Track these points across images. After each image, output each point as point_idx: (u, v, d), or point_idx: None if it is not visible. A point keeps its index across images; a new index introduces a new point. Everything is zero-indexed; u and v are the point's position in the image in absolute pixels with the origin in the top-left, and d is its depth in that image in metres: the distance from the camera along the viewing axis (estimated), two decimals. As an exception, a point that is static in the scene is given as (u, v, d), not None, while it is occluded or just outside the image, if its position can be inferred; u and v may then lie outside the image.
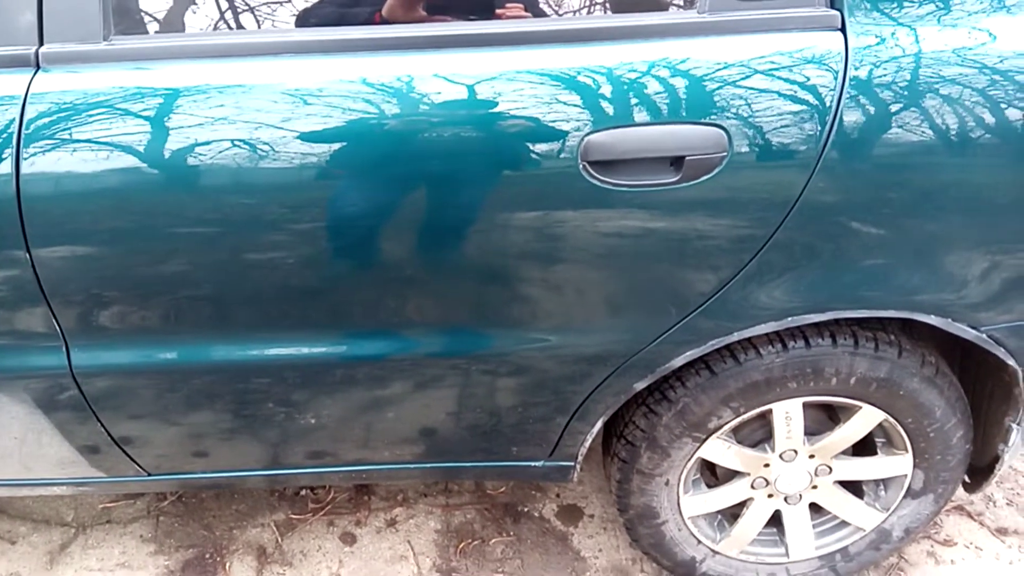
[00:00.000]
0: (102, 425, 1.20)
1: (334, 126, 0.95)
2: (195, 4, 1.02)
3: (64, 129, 0.93)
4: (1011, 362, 1.19)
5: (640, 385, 1.21)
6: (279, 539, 1.68)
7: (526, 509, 1.76)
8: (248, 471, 1.35)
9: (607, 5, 1.05)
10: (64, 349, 1.09)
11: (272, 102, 0.94)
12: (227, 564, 1.63)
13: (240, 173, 0.95)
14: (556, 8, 1.04)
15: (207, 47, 0.97)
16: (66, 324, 1.06)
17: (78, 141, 0.93)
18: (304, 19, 1.02)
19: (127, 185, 0.95)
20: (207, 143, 0.94)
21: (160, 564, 1.63)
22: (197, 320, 1.08)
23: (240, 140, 0.94)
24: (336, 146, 0.95)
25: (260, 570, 1.62)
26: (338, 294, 1.07)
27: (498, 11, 1.02)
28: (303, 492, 1.80)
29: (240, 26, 1.02)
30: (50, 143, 0.93)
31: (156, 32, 1.01)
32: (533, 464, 1.35)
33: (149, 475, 1.33)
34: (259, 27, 1.01)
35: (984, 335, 1.15)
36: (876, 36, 0.96)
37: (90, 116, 0.93)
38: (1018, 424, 1.29)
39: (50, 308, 1.04)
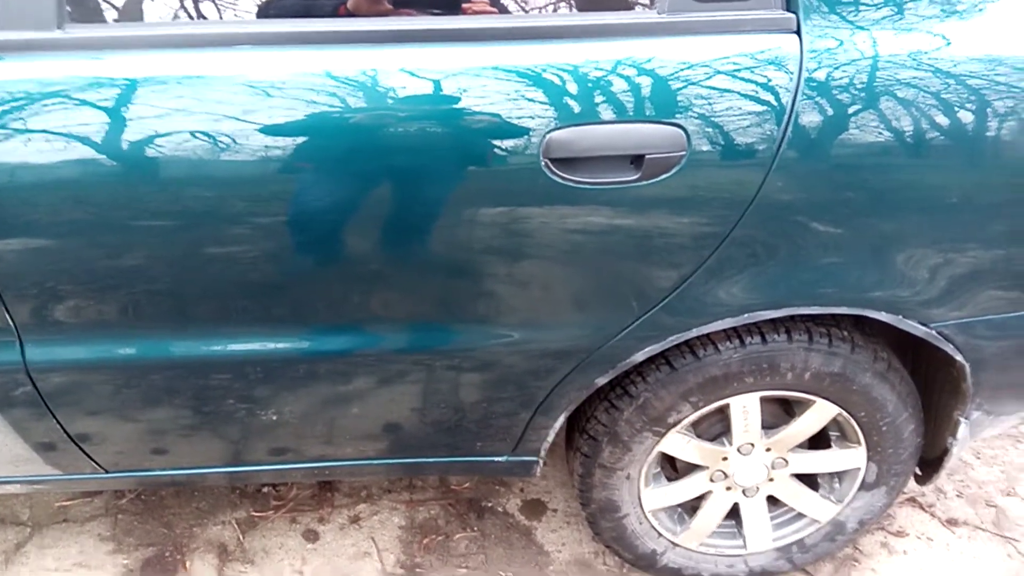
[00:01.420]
0: (58, 422, 1.18)
1: (297, 119, 0.94)
2: (154, -7, 1.00)
3: (17, 119, 0.91)
4: (959, 357, 1.23)
5: (602, 380, 1.22)
6: (241, 537, 1.67)
7: (490, 504, 1.77)
8: (209, 468, 1.34)
9: (572, 3, 1.06)
10: (18, 344, 1.07)
11: (233, 94, 0.93)
12: (187, 562, 1.61)
13: (200, 166, 0.94)
14: (521, 5, 1.04)
15: (166, 37, 0.96)
16: (20, 319, 1.04)
17: (32, 131, 0.91)
18: (267, 10, 1.01)
19: (83, 177, 0.94)
20: (166, 135, 0.93)
21: (119, 563, 1.61)
22: (156, 315, 1.06)
23: (200, 132, 0.93)
24: (299, 139, 0.95)
25: (221, 568, 1.60)
26: (301, 289, 1.06)
27: (464, 6, 1.02)
28: (265, 489, 1.78)
29: (201, 16, 1.00)
30: (3, 133, 0.91)
31: (113, 21, 0.99)
32: (497, 459, 1.36)
33: (107, 472, 1.31)
34: (220, 17, 1.00)
35: (934, 331, 1.19)
36: (832, 39, 0.98)
37: (44, 106, 0.91)
38: (966, 418, 1.33)
39: (3, 302, 1.02)
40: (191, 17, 1.00)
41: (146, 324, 1.07)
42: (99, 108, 0.92)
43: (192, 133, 0.93)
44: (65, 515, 1.71)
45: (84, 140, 0.92)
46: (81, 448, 1.24)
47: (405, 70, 0.95)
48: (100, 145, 0.92)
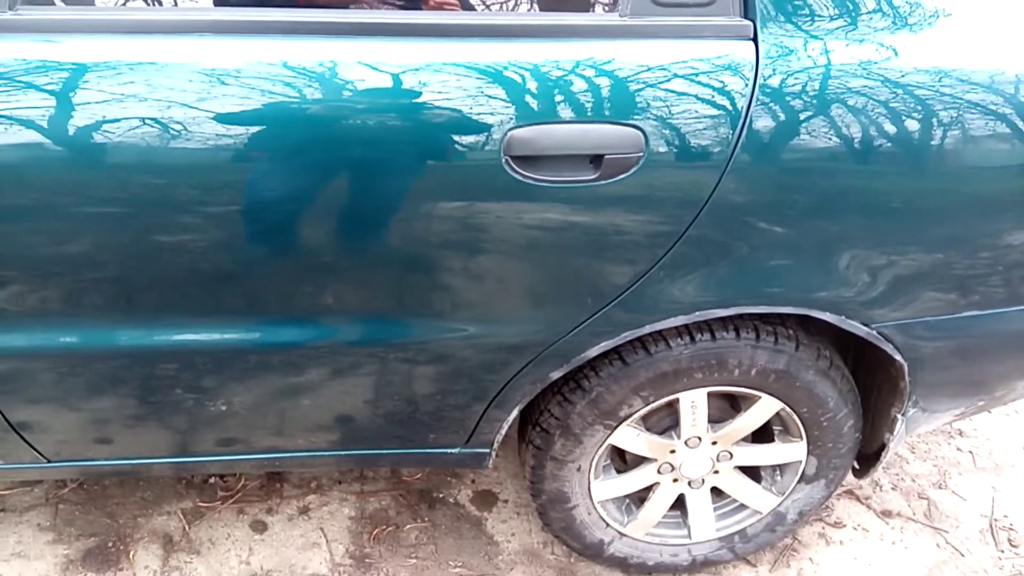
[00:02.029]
0: (-3, 410, 1.14)
1: (252, 108, 0.93)
2: (106, -26, 0.97)
3: (-40, 100, 0.88)
4: (898, 357, 1.27)
5: (556, 374, 1.24)
6: (186, 527, 1.64)
7: (441, 495, 1.77)
8: (154, 459, 1.31)
9: (534, 3, 1.06)
10: (-45, 331, 1.03)
11: (187, 81, 0.91)
12: (131, 553, 1.58)
13: (150, 152, 0.92)
14: (484, 3, 1.04)
15: (119, 22, 0.93)
16: (-42, 305, 1.01)
17: (-26, 113, 0.88)
18: (223, -4, 0.99)
19: (28, 161, 0.91)
20: (115, 120, 0.91)
21: (59, 553, 1.57)
22: (101, 303, 1.04)
23: (151, 119, 0.91)
24: (253, 129, 0.93)
25: (166, 558, 1.58)
26: (253, 280, 1.05)
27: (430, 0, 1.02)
28: (212, 480, 1.76)
29: (156, 1, 0.98)
30: (-57, 114, 0.88)
31: (65, 4, 0.96)
32: (450, 451, 1.37)
33: (49, 462, 1.27)
34: (176, 3, 0.97)
35: (875, 331, 1.23)
36: (787, 47, 1.01)
37: (-10, 87, 0.88)
38: (903, 415, 1.38)
39: (-60, 287, 0.99)
40: (145, 3, 0.97)
41: (91, 312, 1.05)
42: (47, 92, 0.89)
43: (143, 119, 0.91)
44: (3, 504, 1.66)
45: (30, 124, 0.89)
46: (22, 436, 1.20)
47: (364, 63, 0.94)
48: (47, 129, 0.89)
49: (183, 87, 0.91)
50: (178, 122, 0.92)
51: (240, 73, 0.92)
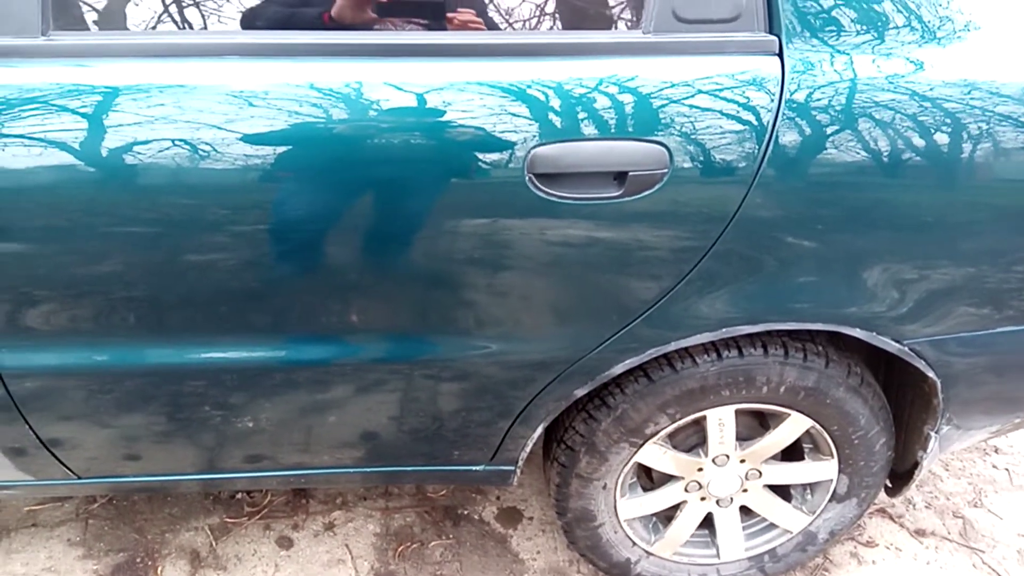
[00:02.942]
0: (30, 427, 1.16)
1: (279, 129, 0.94)
2: (138, 1, 0.99)
3: (-3, 124, 0.90)
4: (930, 374, 1.25)
5: (581, 391, 1.23)
6: (213, 543, 1.65)
7: (466, 512, 1.77)
8: (183, 475, 1.32)
9: (557, 21, 1.06)
10: (-10, 349, 1.05)
11: (216, 103, 0.93)
12: (159, 568, 1.59)
13: (180, 173, 0.94)
14: (508, 21, 1.05)
15: (149, 46, 0.95)
16: (-7, 323, 1.03)
17: (11, 136, 0.90)
18: (251, 19, 1.00)
19: (61, 182, 0.92)
20: (146, 142, 0.92)
21: (89, 569, 1.58)
22: (132, 322, 1.05)
23: (180, 140, 0.93)
24: (281, 149, 0.94)
25: (193, 574, 1.59)
26: (280, 298, 1.06)
27: (449, 15, 1.02)
28: (239, 495, 1.77)
29: (186, 24, 0.99)
30: (-20, 138, 0.90)
31: (97, 29, 0.98)
32: (474, 468, 1.36)
33: (79, 478, 1.29)
34: (205, 26, 0.99)
35: (906, 348, 1.21)
36: (813, 62, 1.00)
37: (24, 112, 0.90)
38: (936, 432, 1.35)
39: (-25, 307, 1.01)
40: (176, 27, 0.99)
41: (122, 331, 1.06)
42: (80, 115, 0.91)
43: (173, 141, 0.92)
44: (34, 520, 1.68)
45: (63, 146, 0.91)
46: (53, 453, 1.22)
47: (389, 83, 0.95)
48: (79, 151, 0.91)
49: (212, 109, 0.93)
50: (207, 143, 0.93)
51: (268, 94, 0.94)
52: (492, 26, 1.03)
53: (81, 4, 0.98)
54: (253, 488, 1.74)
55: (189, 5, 1.00)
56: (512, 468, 1.37)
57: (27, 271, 0.99)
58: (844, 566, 1.68)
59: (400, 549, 1.67)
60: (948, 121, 1.01)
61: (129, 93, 0.92)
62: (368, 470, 1.36)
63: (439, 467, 1.36)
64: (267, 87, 0.94)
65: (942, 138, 1.02)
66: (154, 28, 0.98)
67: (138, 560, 1.61)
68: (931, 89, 1.01)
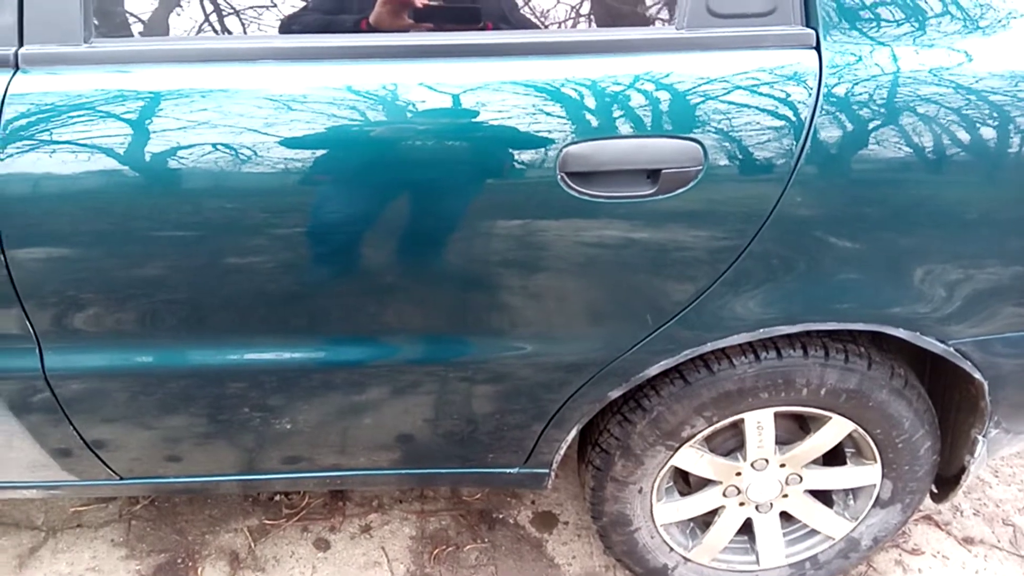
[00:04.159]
0: (75, 428, 1.19)
1: (318, 132, 0.95)
2: (179, 7, 1.01)
3: (43, 131, 0.92)
4: (977, 375, 1.22)
5: (615, 394, 1.22)
6: (252, 544, 1.67)
7: (501, 516, 1.76)
8: (223, 476, 1.34)
9: (591, 18, 1.06)
10: (37, 351, 1.08)
11: (256, 107, 0.95)
12: (199, 569, 1.62)
13: (221, 177, 0.95)
14: (541, 20, 1.05)
15: (190, 51, 0.97)
16: (40, 326, 1.05)
17: (57, 143, 0.93)
18: (289, 25, 1.02)
19: (106, 187, 0.95)
20: (188, 146, 0.94)
21: (131, 569, 1.61)
22: (174, 324, 1.07)
23: (222, 144, 0.94)
24: (319, 152, 0.96)
25: (232, 575, 1.61)
26: (318, 300, 1.07)
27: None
28: (277, 497, 1.79)
29: (225, 30, 1.01)
30: (28, 144, 0.93)
31: (138, 35, 1.01)
32: (508, 471, 1.36)
33: (121, 479, 1.31)
34: (244, 32, 1.01)
35: (952, 348, 1.18)
36: (852, 55, 0.98)
37: (70, 118, 0.93)
38: (984, 436, 1.31)
39: (24, 310, 1.03)
40: (215, 32, 1.01)
41: (165, 333, 1.08)
42: (123, 120, 0.93)
43: (214, 145, 0.94)
44: (79, 520, 1.72)
45: (108, 151, 0.93)
46: (97, 454, 1.25)
47: (425, 84, 0.96)
48: (123, 156, 0.94)
49: (252, 113, 0.94)
50: (248, 147, 0.95)
51: (306, 98, 0.95)
52: (525, 24, 1.04)
53: (122, 11, 1.01)
54: (291, 489, 1.76)
55: (229, 13, 1.02)
56: (546, 471, 1.36)
57: (73, 274, 1.01)
58: (889, 574, 1.64)
59: (436, 552, 1.67)
60: (995, 114, 0.99)
61: (171, 98, 0.94)
62: (403, 472, 1.37)
63: (473, 470, 1.36)
64: (306, 91, 0.95)
65: (988, 132, 0.99)
66: (195, 34, 1.00)
67: (179, 561, 1.63)
68: (977, 81, 0.99)
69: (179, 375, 1.14)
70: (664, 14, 1.03)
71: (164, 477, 1.33)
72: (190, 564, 1.63)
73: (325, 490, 1.77)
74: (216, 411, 1.19)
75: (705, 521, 1.48)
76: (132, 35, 1.01)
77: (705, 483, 1.42)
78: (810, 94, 0.97)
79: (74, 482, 1.32)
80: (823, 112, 0.97)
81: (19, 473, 1.29)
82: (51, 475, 1.29)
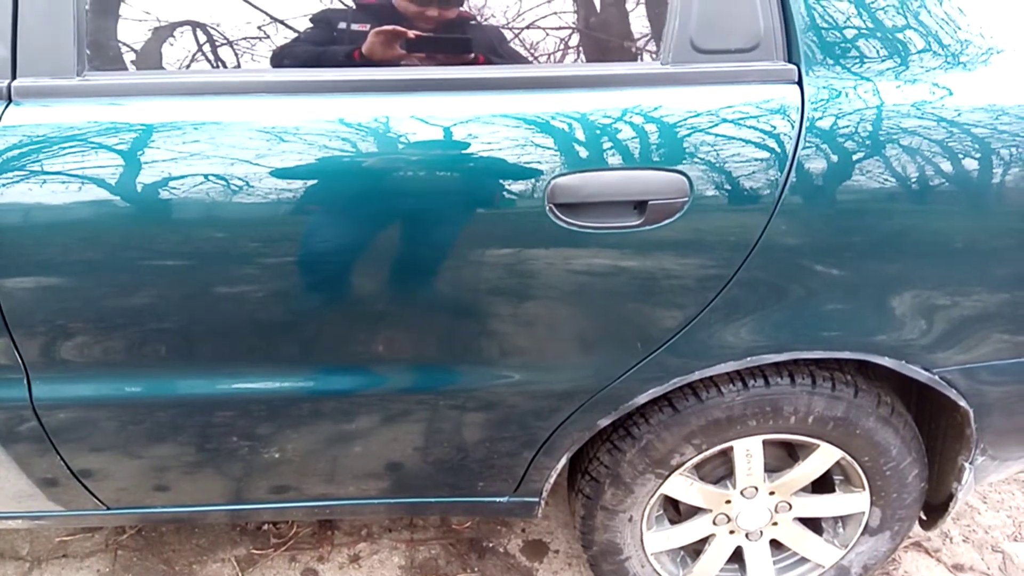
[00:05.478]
0: (61, 458, 1.18)
1: (309, 163, 0.96)
2: (171, 40, 1.03)
3: (35, 161, 0.93)
4: (963, 403, 1.22)
5: (605, 421, 1.22)
6: (240, 574, 1.65)
7: (491, 544, 1.75)
8: (210, 506, 1.33)
9: (580, 53, 1.08)
10: (25, 381, 1.08)
11: (248, 139, 0.96)
12: (185, 600, 1.60)
13: (212, 207, 0.96)
14: (532, 55, 1.06)
15: (183, 84, 0.98)
16: (28, 356, 1.05)
17: (48, 173, 0.93)
18: (282, 57, 1.03)
19: (97, 218, 0.95)
20: (180, 177, 0.95)
21: (116, 600, 1.59)
22: (164, 353, 1.07)
23: (213, 175, 0.95)
24: (310, 183, 0.97)
25: (219, 606, 1.59)
26: (307, 329, 1.07)
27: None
28: (265, 527, 1.77)
29: (218, 62, 1.03)
30: (20, 175, 0.93)
31: (131, 69, 1.02)
32: (498, 499, 1.35)
33: (108, 509, 1.30)
34: (238, 64, 1.02)
35: (937, 377, 1.19)
36: (836, 89, 1.00)
37: (62, 149, 0.93)
38: (970, 463, 1.32)
39: (12, 339, 1.03)
40: (209, 64, 1.02)
41: (153, 362, 1.08)
42: (115, 151, 0.94)
43: (206, 176, 0.95)
44: (65, 550, 1.70)
45: (99, 182, 0.94)
46: (84, 484, 1.24)
47: (416, 117, 0.97)
48: (115, 187, 0.94)
49: (244, 144, 0.95)
50: (239, 178, 0.95)
51: (298, 130, 0.96)
52: (515, 58, 1.05)
53: (115, 45, 1.02)
54: (279, 519, 1.74)
55: (222, 44, 1.03)
56: (536, 500, 1.36)
57: (63, 304, 1.01)
58: (879, 602, 1.64)
59: (425, 582, 1.65)
60: (977, 146, 1.01)
61: (163, 130, 0.95)
62: (393, 501, 1.36)
63: (463, 498, 1.36)
64: (298, 123, 0.96)
65: (971, 164, 1.01)
66: (187, 67, 1.01)
67: (165, 592, 1.61)
68: (959, 115, 1.01)
69: (168, 404, 1.14)
70: (650, 49, 1.05)
71: (151, 507, 1.32)
72: (176, 595, 1.61)
73: (314, 519, 1.76)
74: (204, 440, 1.19)
75: (695, 549, 1.48)
76: (125, 68, 1.02)
77: (695, 511, 1.42)
78: (793, 127, 0.99)
79: (60, 512, 1.31)
80: (806, 144, 0.99)
81: (4, 503, 1.28)
82: (37, 505, 1.28)
